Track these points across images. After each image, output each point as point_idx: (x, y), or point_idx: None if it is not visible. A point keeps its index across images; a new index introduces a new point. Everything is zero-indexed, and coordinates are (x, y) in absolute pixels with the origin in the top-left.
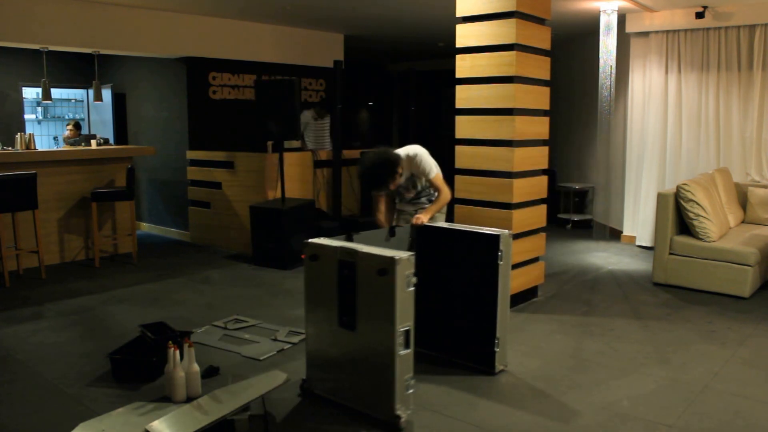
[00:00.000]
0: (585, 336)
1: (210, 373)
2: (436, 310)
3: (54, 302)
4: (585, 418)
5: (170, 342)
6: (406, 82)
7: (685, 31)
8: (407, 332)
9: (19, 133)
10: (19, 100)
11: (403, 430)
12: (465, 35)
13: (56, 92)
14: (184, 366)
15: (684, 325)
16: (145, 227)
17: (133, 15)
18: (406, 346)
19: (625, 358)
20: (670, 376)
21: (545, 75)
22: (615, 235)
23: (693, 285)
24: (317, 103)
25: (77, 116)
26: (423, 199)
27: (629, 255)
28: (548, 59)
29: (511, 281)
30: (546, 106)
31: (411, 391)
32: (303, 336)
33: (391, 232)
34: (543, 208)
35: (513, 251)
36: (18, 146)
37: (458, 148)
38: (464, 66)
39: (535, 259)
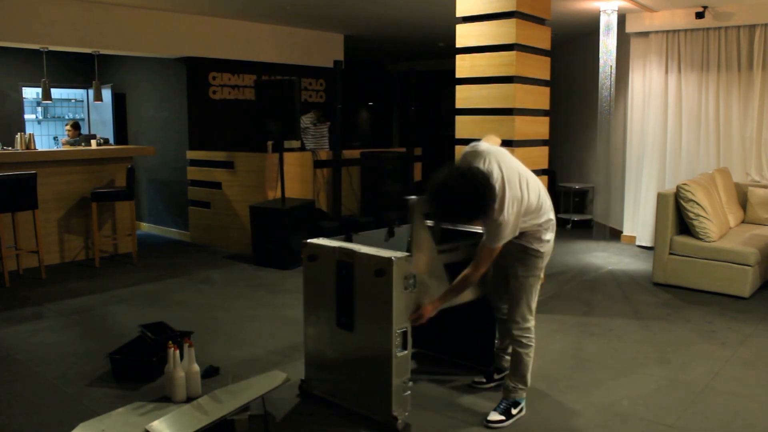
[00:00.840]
0: (585, 336)
1: (210, 373)
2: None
3: (54, 302)
4: (585, 418)
5: (170, 342)
6: (406, 82)
7: (685, 31)
8: (405, 333)
9: (19, 133)
10: (19, 100)
11: (400, 431)
12: (465, 35)
13: (56, 92)
14: (184, 366)
15: (684, 325)
16: (145, 227)
17: (133, 15)
18: (404, 347)
19: (625, 358)
20: (670, 376)
21: (545, 75)
22: (615, 235)
23: (693, 285)
24: (317, 105)
25: (77, 116)
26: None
27: (629, 255)
28: (548, 59)
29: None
30: (546, 106)
31: (408, 392)
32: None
33: (390, 233)
34: None
35: None
36: (18, 146)
37: (458, 148)
38: (464, 66)
39: None
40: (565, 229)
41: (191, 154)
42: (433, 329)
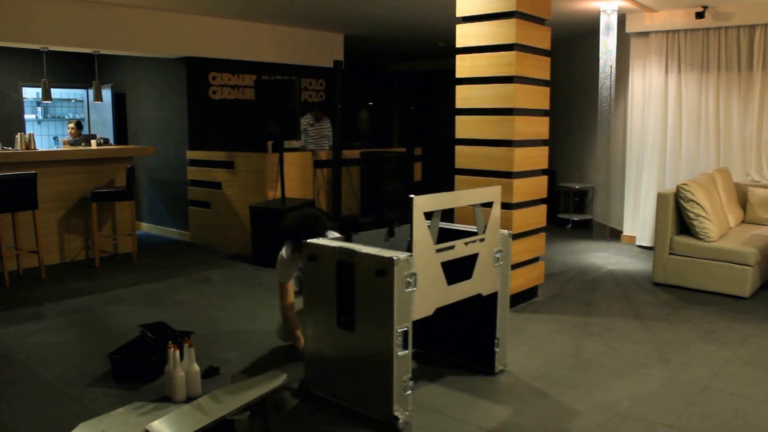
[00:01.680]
0: (585, 336)
1: (210, 373)
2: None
3: (54, 302)
4: (585, 418)
5: (170, 342)
6: (406, 82)
7: (685, 31)
8: (405, 333)
9: (19, 133)
10: (19, 100)
11: (401, 431)
12: (465, 35)
13: (56, 92)
14: (184, 366)
15: (684, 325)
16: (145, 227)
17: (133, 15)
18: (405, 347)
19: (625, 358)
20: (670, 376)
21: (545, 75)
22: (615, 235)
23: (693, 285)
24: (315, 104)
25: (77, 116)
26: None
27: (629, 255)
28: (548, 59)
29: (511, 281)
30: (546, 106)
31: (409, 392)
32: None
33: (391, 233)
34: (543, 208)
35: (513, 251)
36: (18, 146)
37: (458, 148)
38: (464, 66)
39: (535, 259)
40: (566, 229)
41: (191, 154)
42: (433, 329)
